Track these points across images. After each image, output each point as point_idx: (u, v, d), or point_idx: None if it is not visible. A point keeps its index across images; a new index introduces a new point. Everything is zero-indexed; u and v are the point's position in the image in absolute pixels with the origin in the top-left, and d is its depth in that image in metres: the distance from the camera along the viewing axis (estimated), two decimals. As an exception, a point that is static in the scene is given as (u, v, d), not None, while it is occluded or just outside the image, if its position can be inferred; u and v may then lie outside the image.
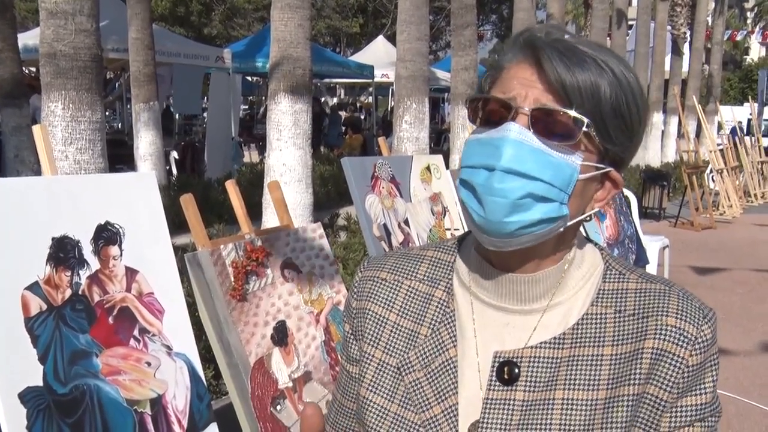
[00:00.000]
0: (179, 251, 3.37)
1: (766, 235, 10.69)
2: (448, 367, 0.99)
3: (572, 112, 0.88)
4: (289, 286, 2.65)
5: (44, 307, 1.88)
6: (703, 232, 10.84)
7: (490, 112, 0.93)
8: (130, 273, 2.16)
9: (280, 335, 2.54)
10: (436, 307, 1.03)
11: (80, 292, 1.99)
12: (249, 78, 21.99)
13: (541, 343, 0.96)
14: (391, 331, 1.04)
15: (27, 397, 1.77)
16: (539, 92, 0.90)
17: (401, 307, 1.05)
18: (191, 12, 30.25)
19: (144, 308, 2.16)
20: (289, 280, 2.66)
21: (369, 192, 3.30)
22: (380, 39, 22.74)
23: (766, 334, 5.79)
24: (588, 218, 0.97)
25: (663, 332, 0.93)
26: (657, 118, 18.84)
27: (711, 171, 13.13)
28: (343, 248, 6.37)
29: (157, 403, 2.10)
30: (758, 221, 11.89)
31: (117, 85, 16.79)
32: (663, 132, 19.38)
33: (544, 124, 0.89)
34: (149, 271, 2.21)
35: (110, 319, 2.05)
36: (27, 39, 10.96)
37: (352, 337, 1.10)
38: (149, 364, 2.12)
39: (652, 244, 6.96)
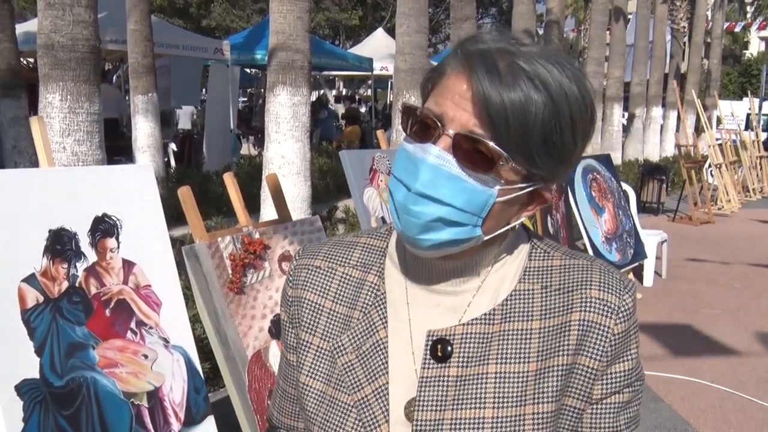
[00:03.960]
0: (177, 243, 3.37)
1: (764, 230, 10.70)
2: (378, 349, 1.02)
3: (493, 145, 0.88)
4: (287, 279, 2.65)
5: (41, 299, 1.87)
6: (701, 226, 10.85)
7: (421, 123, 0.95)
8: (128, 265, 2.15)
9: (278, 328, 2.54)
10: (368, 291, 1.07)
11: (77, 285, 1.98)
12: (248, 70, 21.94)
13: (472, 320, 0.99)
14: (327, 317, 1.07)
15: (23, 389, 1.77)
16: (468, 116, 0.89)
17: (336, 293, 1.08)
18: (190, 3, 30.15)
19: (141, 301, 2.16)
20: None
21: (367, 185, 3.30)
22: (379, 31, 22.67)
23: (764, 329, 5.79)
24: (513, 228, 0.99)
25: (588, 304, 0.97)
26: (656, 112, 18.83)
27: (710, 165, 13.13)
28: (341, 241, 6.36)
29: (154, 396, 2.10)
30: (756, 216, 11.90)
31: (115, 76, 16.74)
32: (662, 126, 19.38)
33: (465, 151, 0.90)
34: (147, 264, 2.21)
35: (107, 312, 2.05)
36: (26, 29, 10.91)
37: (289, 325, 1.13)
38: (146, 356, 2.11)
39: (651, 239, 6.96)
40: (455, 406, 0.96)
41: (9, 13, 8.24)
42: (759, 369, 4.89)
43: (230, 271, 2.43)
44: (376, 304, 1.05)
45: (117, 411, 1.98)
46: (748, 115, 18.28)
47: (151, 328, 2.16)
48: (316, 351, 1.07)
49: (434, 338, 0.99)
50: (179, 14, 29.50)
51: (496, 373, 0.96)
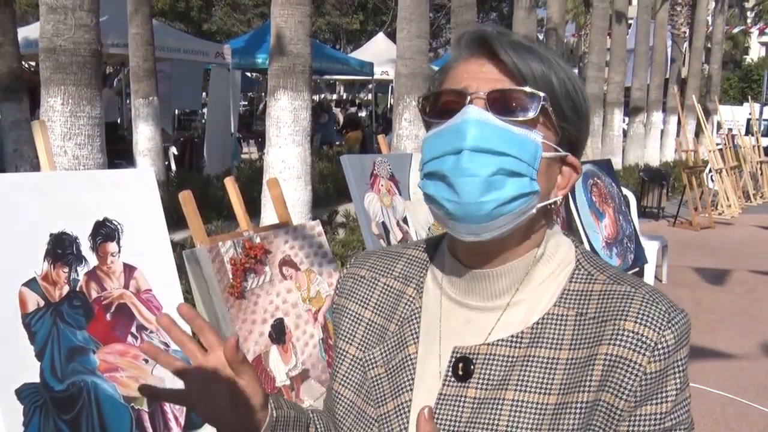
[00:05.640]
0: (178, 247, 3.36)
1: (765, 236, 10.69)
2: (406, 364, 1.01)
3: (528, 89, 0.91)
4: (288, 283, 2.65)
5: (42, 303, 1.87)
6: (701, 231, 10.84)
7: (444, 104, 0.94)
8: (128, 269, 2.15)
9: (278, 333, 2.54)
10: (406, 304, 1.06)
11: (78, 289, 1.98)
12: (249, 74, 21.97)
13: (498, 340, 0.95)
14: (366, 327, 1.07)
15: (24, 393, 1.77)
16: (492, 81, 0.92)
17: (376, 304, 1.08)
18: (191, 7, 30.21)
19: (142, 305, 2.16)
20: (288, 278, 2.65)
21: (368, 190, 3.30)
22: (380, 36, 22.70)
23: (765, 335, 5.79)
24: (552, 206, 0.97)
25: (619, 338, 0.89)
26: (656, 117, 18.83)
27: (710, 171, 13.13)
28: (342, 245, 6.37)
29: (155, 400, 2.10)
30: (757, 222, 11.89)
31: (116, 80, 16.76)
32: (662, 131, 19.39)
33: (502, 104, 0.91)
34: (147, 268, 2.21)
35: (108, 316, 2.05)
36: (27, 33, 10.94)
37: (336, 331, 1.14)
38: (147, 360, 2.11)
39: (651, 244, 6.96)
40: (468, 428, 0.93)
41: (11, 16, 8.25)
42: (760, 375, 4.88)
43: (231, 276, 2.43)
44: (411, 318, 1.04)
45: (117, 415, 1.98)
46: (749, 120, 18.29)
47: (151, 332, 2.16)
48: (351, 360, 1.06)
49: (458, 355, 0.97)
50: (180, 18, 29.56)
51: (513, 400, 0.91)
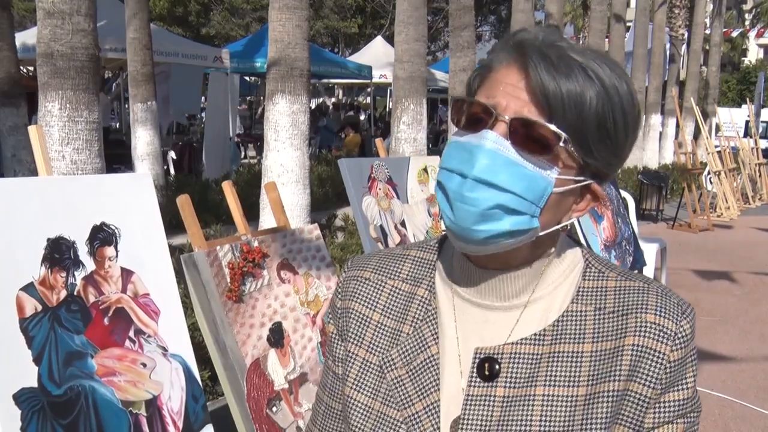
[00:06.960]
0: (176, 252, 3.36)
1: (763, 238, 10.70)
2: (429, 365, 1.01)
3: (551, 126, 0.87)
4: (286, 287, 2.65)
5: (39, 308, 1.87)
6: (700, 234, 10.85)
7: (472, 115, 0.93)
8: (126, 274, 2.15)
9: (277, 337, 2.54)
10: (419, 305, 1.05)
11: (75, 293, 1.98)
12: (247, 78, 22.00)
13: (521, 339, 0.97)
14: (375, 330, 1.06)
15: (22, 398, 1.77)
16: (522, 103, 0.89)
17: (384, 306, 1.07)
18: (189, 12, 30.24)
19: (140, 309, 2.16)
20: (286, 282, 2.65)
21: (366, 193, 3.30)
22: (378, 39, 22.74)
23: (764, 337, 5.79)
24: (564, 228, 0.96)
25: (643, 329, 0.94)
26: (655, 119, 18.85)
27: (709, 173, 13.15)
28: (340, 249, 6.37)
29: (153, 405, 2.10)
30: (755, 224, 11.90)
31: (115, 84, 16.77)
32: (661, 133, 19.40)
33: (523, 135, 0.89)
34: (145, 272, 2.21)
35: (105, 320, 2.04)
36: (26, 38, 10.95)
37: (337, 337, 1.11)
38: (144, 365, 2.11)
39: (650, 246, 6.95)
40: (500, 427, 0.94)
41: (8, 21, 8.26)
42: (759, 377, 4.88)
43: (229, 280, 2.43)
44: (427, 319, 1.03)
45: (115, 420, 1.98)
46: (747, 122, 18.31)
47: (149, 336, 2.16)
48: (362, 363, 1.05)
49: (482, 356, 0.97)
50: (179, 23, 29.58)
51: (543, 395, 0.93)
